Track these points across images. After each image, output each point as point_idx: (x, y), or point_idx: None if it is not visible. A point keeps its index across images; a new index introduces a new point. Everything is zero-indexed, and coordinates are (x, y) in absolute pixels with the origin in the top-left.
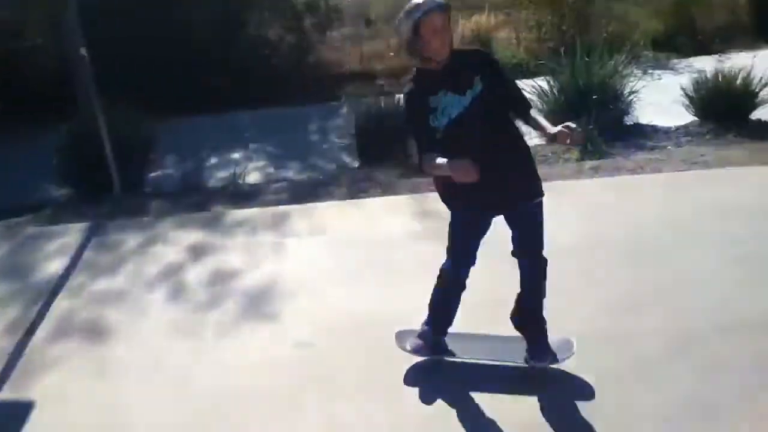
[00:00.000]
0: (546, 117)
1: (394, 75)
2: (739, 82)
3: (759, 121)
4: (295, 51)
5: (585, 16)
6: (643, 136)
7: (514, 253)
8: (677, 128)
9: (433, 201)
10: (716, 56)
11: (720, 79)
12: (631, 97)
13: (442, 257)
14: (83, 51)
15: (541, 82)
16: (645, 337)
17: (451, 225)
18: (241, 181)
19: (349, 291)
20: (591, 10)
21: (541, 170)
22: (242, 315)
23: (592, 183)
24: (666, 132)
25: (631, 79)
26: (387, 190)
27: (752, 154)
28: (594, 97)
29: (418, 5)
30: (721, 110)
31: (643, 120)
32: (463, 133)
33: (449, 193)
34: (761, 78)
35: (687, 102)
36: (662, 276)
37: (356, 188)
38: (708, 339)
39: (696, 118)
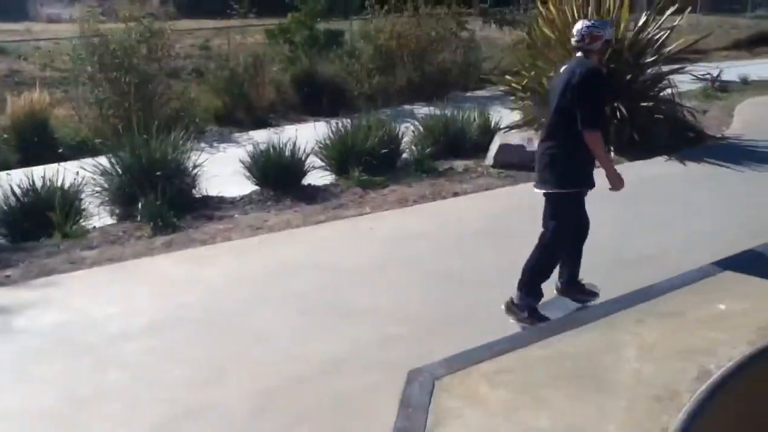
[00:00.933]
0: (113, 195)
1: None
2: (287, 152)
3: (309, 185)
4: None
5: (146, 93)
6: (211, 208)
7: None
8: (242, 197)
9: None
10: (271, 129)
11: (272, 150)
12: (195, 171)
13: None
14: None
15: (104, 161)
16: (232, 404)
17: (573, 202)
18: None
19: None
20: (151, 88)
21: (113, 250)
22: None
23: (165, 258)
24: (232, 202)
25: (195, 153)
26: None
27: (307, 217)
28: (158, 173)
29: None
30: (277, 178)
31: (212, 192)
32: None
33: (587, 172)
34: (304, 148)
35: (247, 173)
36: (242, 337)
37: None
38: (289, 389)
39: (257, 187)
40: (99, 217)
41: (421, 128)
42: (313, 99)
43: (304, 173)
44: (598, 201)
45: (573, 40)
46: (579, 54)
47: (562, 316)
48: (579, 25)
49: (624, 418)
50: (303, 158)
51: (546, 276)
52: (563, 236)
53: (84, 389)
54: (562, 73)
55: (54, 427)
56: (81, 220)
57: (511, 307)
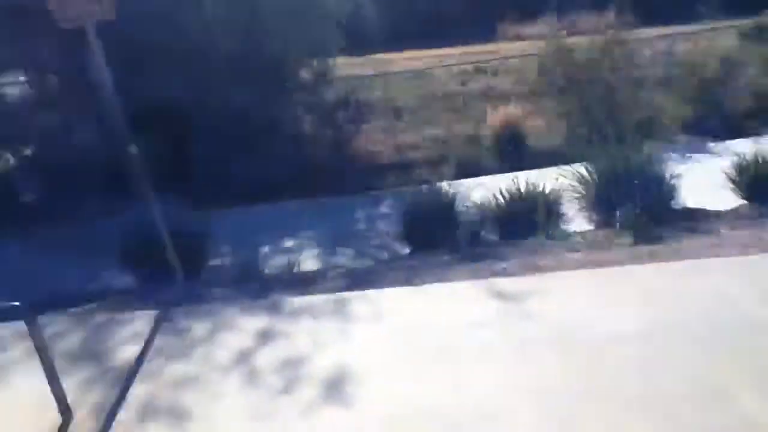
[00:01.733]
0: (590, 202)
1: (431, 164)
2: None
3: None
4: (333, 144)
5: (612, 103)
6: (692, 220)
7: None
8: (727, 211)
9: (495, 285)
10: (753, 138)
11: (760, 161)
12: (673, 181)
13: (504, 341)
14: (133, 149)
15: (579, 168)
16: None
17: None
18: (296, 269)
19: (417, 382)
20: (618, 98)
21: (593, 255)
22: (316, 401)
23: (650, 268)
24: (717, 215)
25: (669, 162)
26: (443, 276)
27: None
28: (636, 182)
29: None
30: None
31: (689, 203)
32: None
33: None
34: None
35: (732, 185)
36: (744, 361)
37: (411, 274)
38: None
39: (745, 201)
40: (576, 222)
41: None
42: None
43: None
44: None
45: None
46: None
47: None
48: None
49: None
50: None
51: None
52: None
53: (575, 382)
54: None
55: (547, 410)
56: (561, 224)
57: None
